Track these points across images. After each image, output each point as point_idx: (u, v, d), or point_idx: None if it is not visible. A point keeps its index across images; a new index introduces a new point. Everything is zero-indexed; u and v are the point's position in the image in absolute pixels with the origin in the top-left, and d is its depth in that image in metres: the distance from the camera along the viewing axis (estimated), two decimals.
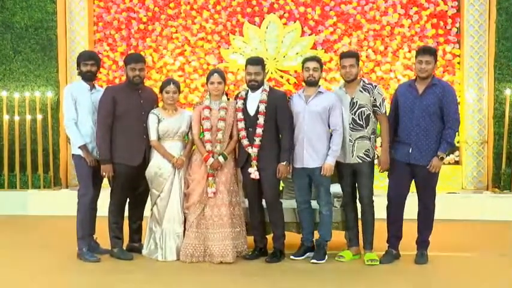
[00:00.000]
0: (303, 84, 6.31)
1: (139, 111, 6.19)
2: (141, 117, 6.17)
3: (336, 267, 5.93)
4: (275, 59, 9.66)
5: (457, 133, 6.07)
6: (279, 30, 9.66)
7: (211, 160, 6.02)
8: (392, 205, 6.08)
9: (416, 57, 5.99)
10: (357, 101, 6.00)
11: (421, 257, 6.02)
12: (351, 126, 6.00)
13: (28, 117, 9.36)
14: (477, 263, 6.13)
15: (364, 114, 6.00)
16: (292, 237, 6.36)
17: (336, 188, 6.29)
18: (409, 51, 9.46)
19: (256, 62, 6.19)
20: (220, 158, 6.04)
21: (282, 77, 9.67)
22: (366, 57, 9.46)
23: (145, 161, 6.20)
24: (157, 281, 5.52)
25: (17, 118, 9.35)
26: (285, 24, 9.69)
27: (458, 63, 9.45)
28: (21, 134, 9.43)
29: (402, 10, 9.53)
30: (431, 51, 5.99)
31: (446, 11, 9.47)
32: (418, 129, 5.87)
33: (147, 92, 6.45)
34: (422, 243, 6.08)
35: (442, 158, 5.86)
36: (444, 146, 5.85)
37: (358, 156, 5.99)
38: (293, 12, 9.69)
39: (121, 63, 6.45)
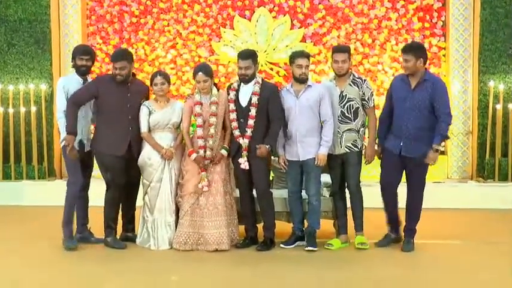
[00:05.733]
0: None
1: (125, 103, 6.23)
2: (126, 110, 6.23)
3: (324, 254, 6.02)
4: (265, 51, 9.68)
5: (450, 125, 6.12)
6: (269, 23, 9.68)
7: (194, 155, 6.10)
8: (384, 193, 6.22)
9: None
10: (346, 95, 6.09)
11: (408, 245, 6.14)
12: (340, 118, 6.10)
13: (22, 109, 9.37)
14: (462, 250, 6.25)
15: (353, 108, 6.10)
16: (282, 226, 6.44)
17: (325, 177, 6.38)
18: (396, 44, 9.51)
19: (246, 56, 6.24)
20: (223, 151, 6.15)
21: (272, 69, 9.69)
22: (354, 49, 9.44)
23: (132, 152, 6.25)
24: (149, 270, 5.56)
25: (11, 110, 9.38)
26: (274, 17, 9.70)
27: (444, 55, 9.50)
28: (16, 125, 9.45)
29: (389, 4, 9.58)
30: (411, 48, 6.03)
31: (432, 5, 9.52)
32: (409, 122, 5.95)
33: (137, 85, 6.45)
34: (409, 231, 6.19)
35: (437, 150, 5.94)
36: (438, 139, 5.92)
37: (346, 146, 6.11)
38: (283, 5, 9.70)
39: None
